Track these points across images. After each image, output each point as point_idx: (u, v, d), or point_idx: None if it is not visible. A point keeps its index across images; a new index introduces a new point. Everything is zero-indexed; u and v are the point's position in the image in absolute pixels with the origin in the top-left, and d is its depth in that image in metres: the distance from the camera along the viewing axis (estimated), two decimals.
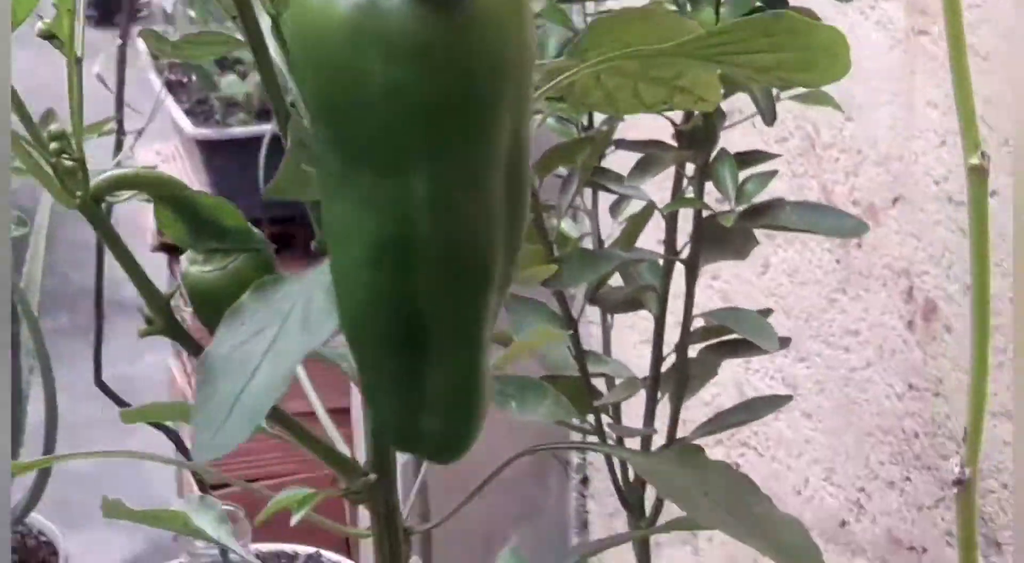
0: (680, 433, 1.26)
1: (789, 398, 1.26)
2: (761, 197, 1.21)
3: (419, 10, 0.61)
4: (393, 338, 0.68)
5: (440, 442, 0.71)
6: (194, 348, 0.84)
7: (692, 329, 1.24)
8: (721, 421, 1.25)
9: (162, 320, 0.83)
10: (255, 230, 0.83)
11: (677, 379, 1.25)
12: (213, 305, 0.82)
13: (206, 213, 0.81)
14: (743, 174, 1.21)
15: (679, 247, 1.24)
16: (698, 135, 1.21)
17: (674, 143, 1.21)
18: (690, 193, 1.22)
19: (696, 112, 1.19)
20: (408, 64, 0.62)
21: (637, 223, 1.28)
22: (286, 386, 0.67)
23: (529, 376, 1.13)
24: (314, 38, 0.63)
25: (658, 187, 1.25)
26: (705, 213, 1.21)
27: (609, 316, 1.34)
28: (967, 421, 1.00)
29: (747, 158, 1.23)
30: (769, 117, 1.16)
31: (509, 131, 0.65)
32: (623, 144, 1.24)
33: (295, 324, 0.70)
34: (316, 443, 0.89)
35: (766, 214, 1.19)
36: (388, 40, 0.61)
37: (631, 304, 1.28)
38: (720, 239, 1.23)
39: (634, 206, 1.29)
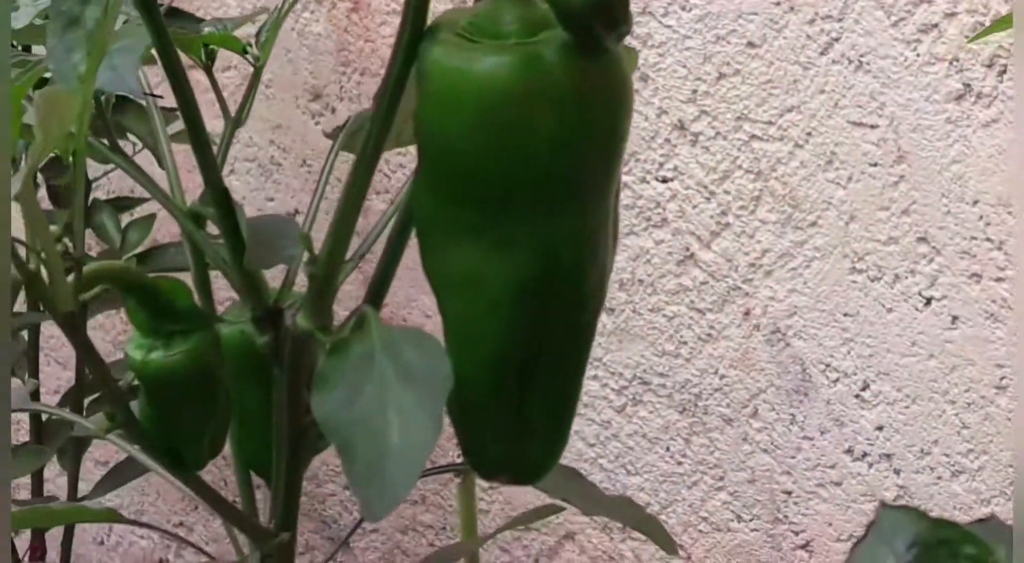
0: None
1: None
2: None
3: (576, 60, 0.66)
4: (513, 371, 0.71)
5: (538, 463, 0.74)
6: (148, 442, 0.82)
7: None
8: None
9: (123, 415, 0.81)
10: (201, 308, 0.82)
11: None
12: (179, 389, 0.81)
13: (164, 297, 0.80)
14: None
15: None
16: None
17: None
18: None
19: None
20: (573, 109, 0.66)
21: None
22: (433, 443, 0.68)
23: None
24: (476, 98, 0.65)
25: None
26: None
27: None
28: None
29: (122, 203, 1.41)
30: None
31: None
32: None
33: (393, 379, 0.70)
34: (231, 510, 0.89)
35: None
36: (556, 90, 0.65)
37: None
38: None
39: None
